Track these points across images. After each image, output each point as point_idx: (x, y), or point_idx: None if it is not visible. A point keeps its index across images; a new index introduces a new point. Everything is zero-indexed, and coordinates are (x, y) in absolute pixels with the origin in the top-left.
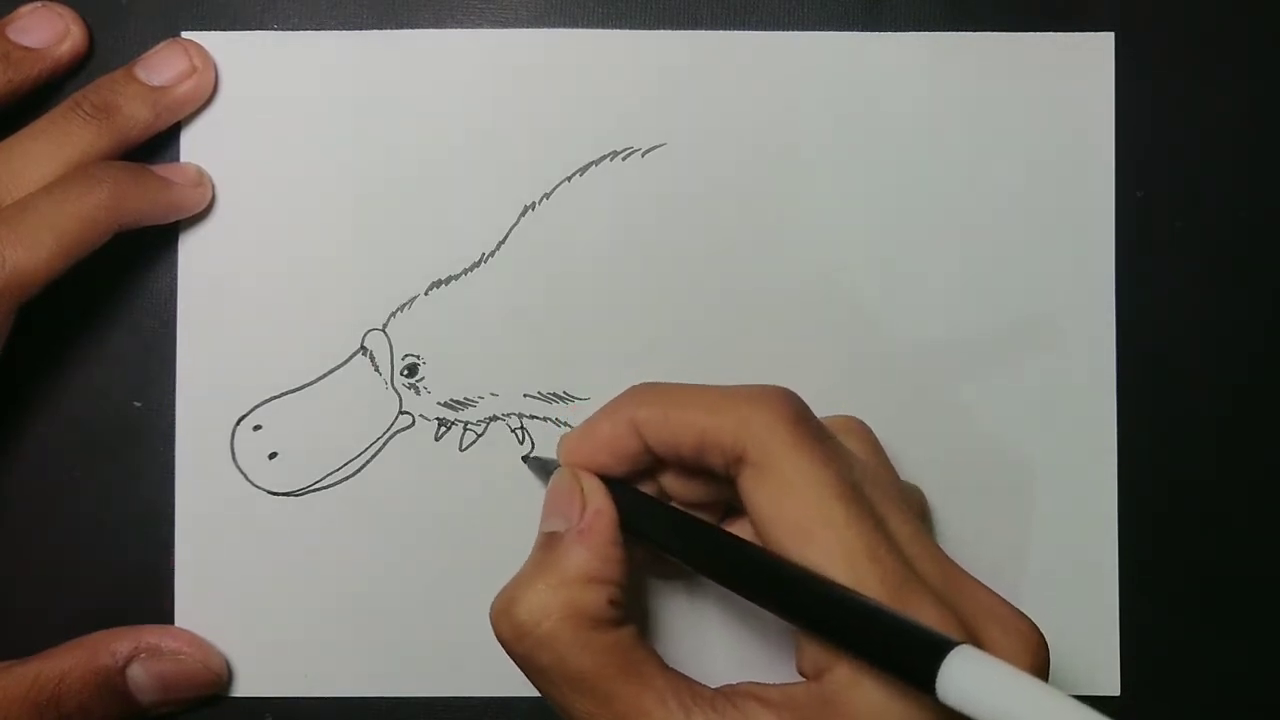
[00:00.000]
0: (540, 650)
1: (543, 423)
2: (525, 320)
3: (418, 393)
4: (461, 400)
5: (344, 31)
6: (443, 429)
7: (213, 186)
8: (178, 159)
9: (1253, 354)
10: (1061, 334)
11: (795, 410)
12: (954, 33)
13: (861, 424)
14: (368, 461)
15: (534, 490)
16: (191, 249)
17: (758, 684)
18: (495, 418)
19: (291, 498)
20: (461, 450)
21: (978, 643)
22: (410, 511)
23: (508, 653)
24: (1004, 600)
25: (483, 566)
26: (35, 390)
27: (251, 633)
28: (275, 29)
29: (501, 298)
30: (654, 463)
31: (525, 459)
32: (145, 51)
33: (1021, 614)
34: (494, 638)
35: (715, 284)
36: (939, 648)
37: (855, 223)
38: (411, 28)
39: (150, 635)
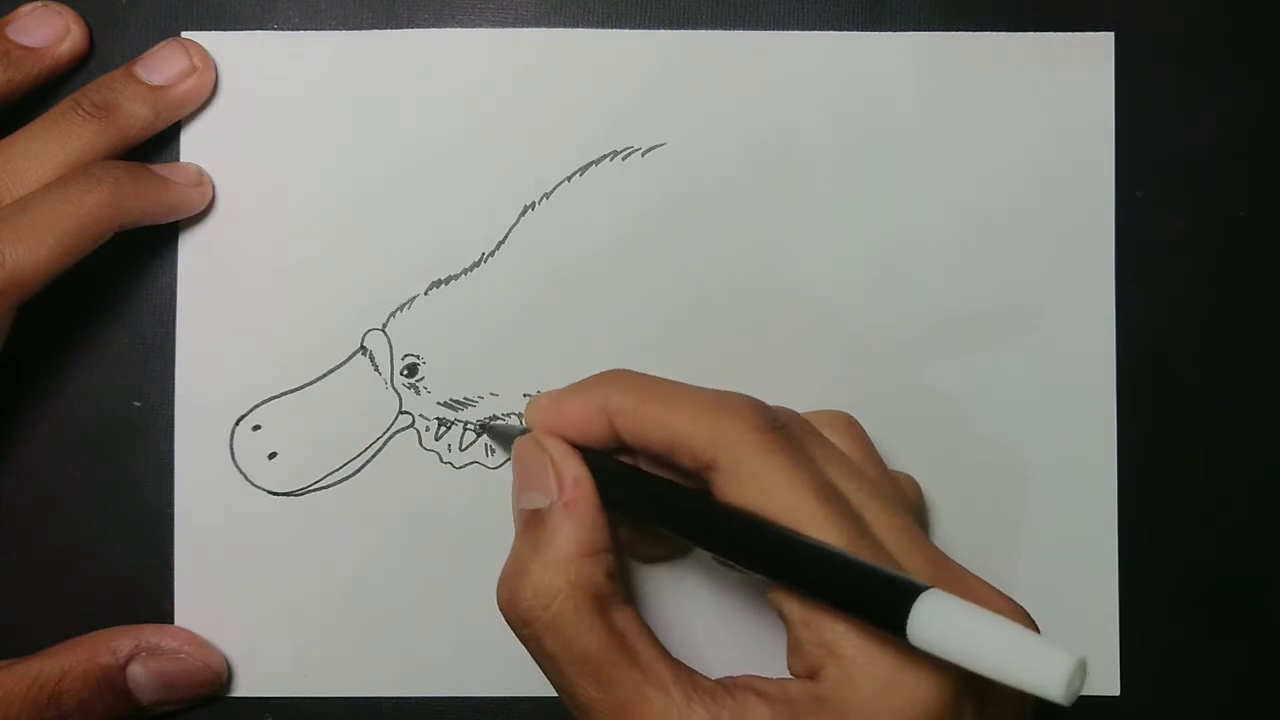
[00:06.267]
0: (548, 634)
1: None
2: (525, 320)
3: (418, 393)
4: (461, 400)
5: (344, 31)
6: (443, 429)
7: (213, 186)
8: (178, 159)
9: (1252, 354)
10: (1061, 334)
11: (764, 418)
12: (954, 33)
13: (848, 419)
14: (368, 461)
15: None
16: (191, 249)
17: (756, 677)
18: (495, 418)
19: (291, 498)
20: (461, 450)
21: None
22: (410, 511)
23: (517, 636)
24: (996, 590)
25: (482, 566)
26: (35, 390)
27: (251, 633)
28: (275, 29)
29: (501, 298)
30: (620, 446)
31: (485, 427)
32: (145, 51)
33: (1014, 602)
34: (493, 637)
35: (715, 283)
36: (909, 591)
37: (855, 222)
38: (411, 28)
39: (150, 634)
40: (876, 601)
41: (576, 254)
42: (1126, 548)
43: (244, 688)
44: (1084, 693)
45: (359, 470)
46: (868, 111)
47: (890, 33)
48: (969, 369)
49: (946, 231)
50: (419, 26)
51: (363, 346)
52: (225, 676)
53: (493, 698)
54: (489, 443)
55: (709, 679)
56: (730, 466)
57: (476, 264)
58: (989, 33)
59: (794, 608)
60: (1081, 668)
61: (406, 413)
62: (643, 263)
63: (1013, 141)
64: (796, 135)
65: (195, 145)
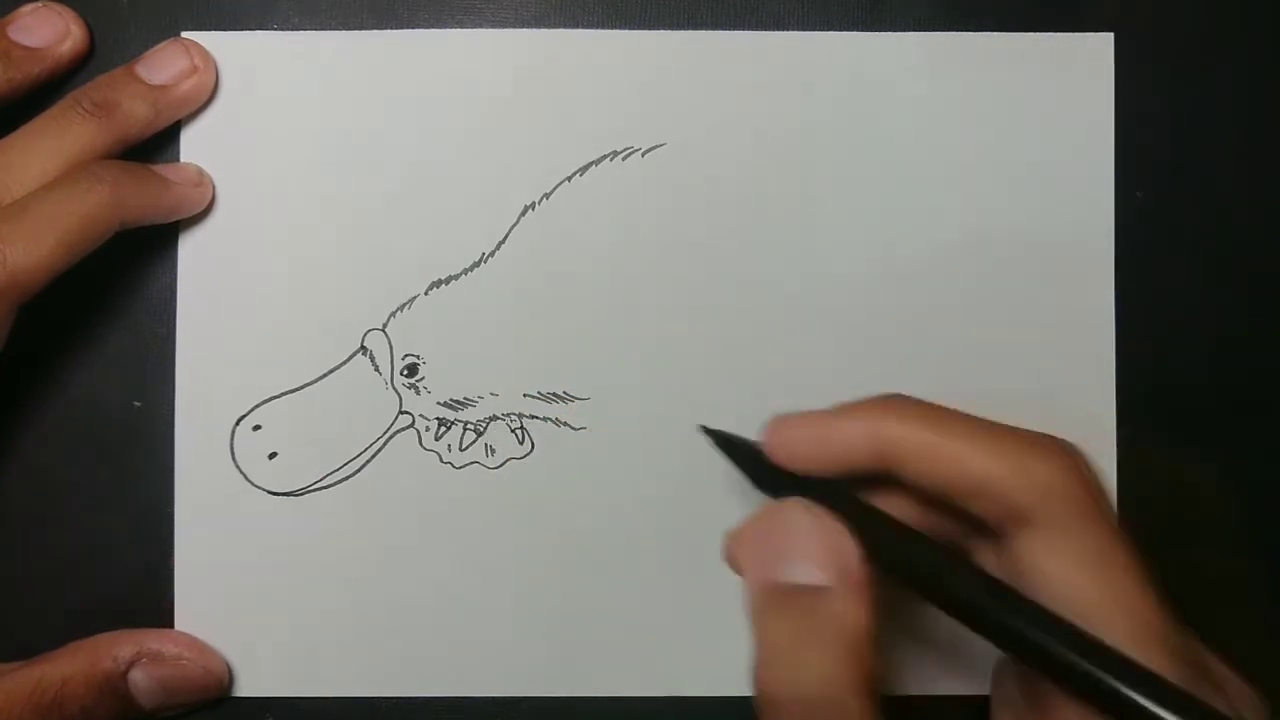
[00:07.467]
0: None
1: (543, 423)
2: (525, 320)
3: (418, 393)
4: (461, 400)
5: (344, 31)
6: (443, 429)
7: (213, 186)
8: (178, 159)
9: (1252, 354)
10: (1061, 334)
11: (1089, 471)
12: (954, 33)
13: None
14: (368, 461)
15: (534, 489)
16: (191, 249)
17: None
18: (495, 418)
19: (291, 498)
20: (462, 450)
21: None
22: (410, 511)
23: None
24: (1233, 673)
25: (482, 566)
26: (35, 390)
27: (251, 633)
28: (275, 29)
29: (501, 298)
30: (877, 477)
31: (706, 430)
32: (146, 51)
33: (1248, 685)
34: (493, 637)
35: (715, 284)
36: None
37: (855, 223)
38: (411, 28)
39: (151, 640)
40: None
41: (576, 254)
42: None
43: (245, 688)
44: None
45: (359, 470)
46: (868, 111)
47: (890, 33)
48: (969, 369)
49: (945, 233)
50: (419, 26)
51: (363, 346)
52: (226, 680)
53: (493, 698)
54: (489, 443)
55: None
56: (1052, 528)
57: (476, 264)
58: (989, 33)
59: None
60: None
61: (406, 413)
62: (643, 263)
63: (1013, 141)
64: (796, 135)
65: (195, 145)
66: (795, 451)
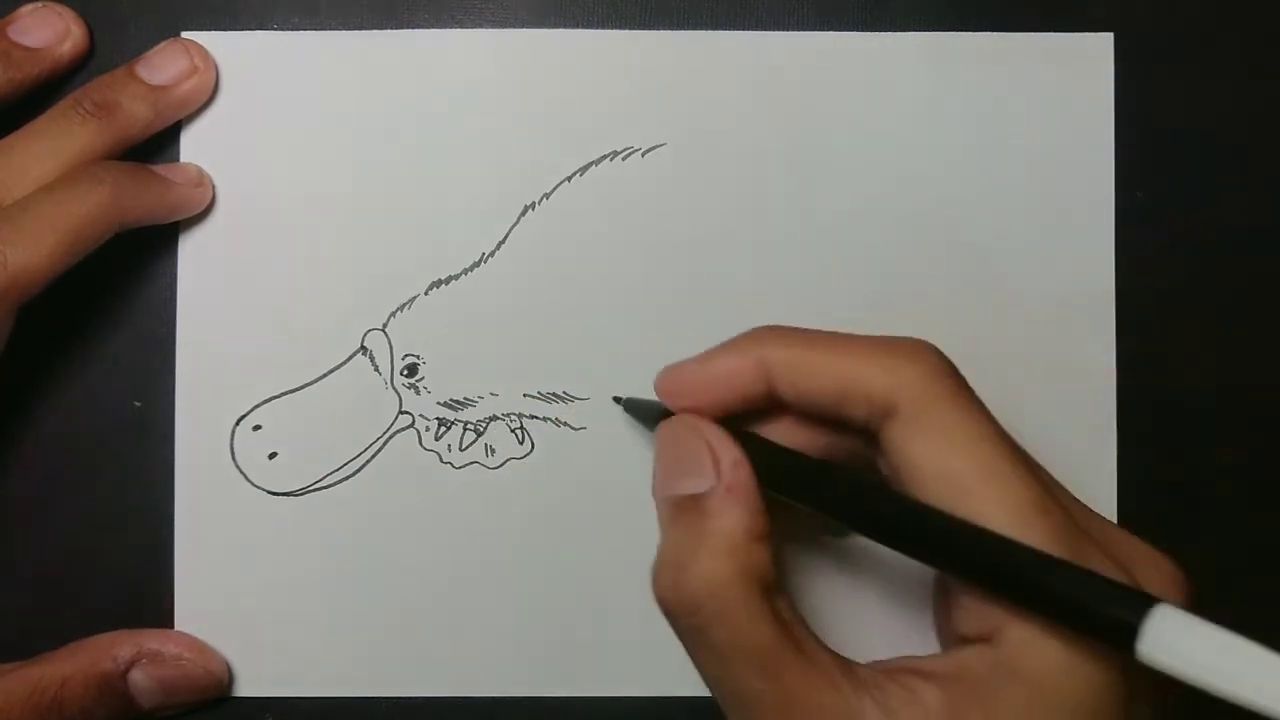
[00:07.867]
0: (715, 624)
1: (543, 423)
2: (525, 320)
3: (418, 393)
4: (461, 400)
5: (344, 31)
6: (443, 429)
7: (213, 186)
8: (178, 159)
9: (1252, 354)
10: (1061, 334)
11: (946, 363)
12: (954, 33)
13: None
14: (368, 461)
15: (534, 489)
16: (191, 249)
17: (912, 657)
18: (495, 418)
19: (291, 498)
20: (462, 450)
21: (1137, 588)
22: (410, 512)
23: (676, 628)
24: (1140, 540)
25: (482, 567)
26: (35, 390)
27: (251, 633)
28: (275, 29)
29: (501, 298)
30: (766, 409)
31: (619, 400)
32: (146, 51)
33: (1161, 553)
34: (493, 637)
35: (716, 284)
36: (1137, 605)
37: (855, 223)
38: (411, 28)
39: (151, 640)
40: (1100, 617)
41: (576, 254)
42: None
43: (244, 688)
44: None
45: (359, 470)
46: (868, 112)
47: (891, 33)
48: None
49: (945, 233)
50: (419, 26)
51: (363, 346)
52: (226, 680)
53: (493, 698)
54: (489, 443)
55: (865, 667)
56: (914, 413)
57: (476, 264)
58: (989, 33)
59: None
60: None
61: (406, 413)
62: (643, 263)
63: (1013, 141)
64: (796, 135)
65: (195, 145)
66: (683, 390)
